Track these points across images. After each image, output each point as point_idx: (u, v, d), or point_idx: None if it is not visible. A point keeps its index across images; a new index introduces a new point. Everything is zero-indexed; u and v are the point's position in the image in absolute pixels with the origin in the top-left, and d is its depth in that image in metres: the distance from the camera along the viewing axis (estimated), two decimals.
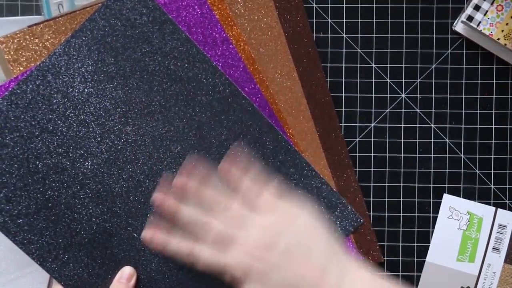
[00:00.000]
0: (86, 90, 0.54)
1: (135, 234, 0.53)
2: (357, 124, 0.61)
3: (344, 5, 0.61)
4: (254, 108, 0.55)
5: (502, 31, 0.56)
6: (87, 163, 0.54)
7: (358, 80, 0.61)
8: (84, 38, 0.54)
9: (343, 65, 0.61)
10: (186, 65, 0.54)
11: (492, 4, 0.57)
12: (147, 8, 0.54)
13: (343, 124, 0.61)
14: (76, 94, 0.54)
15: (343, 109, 0.61)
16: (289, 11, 0.57)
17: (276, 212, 0.47)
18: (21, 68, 0.55)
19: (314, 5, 0.61)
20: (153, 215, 0.53)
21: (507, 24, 0.56)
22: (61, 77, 0.54)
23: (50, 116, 0.54)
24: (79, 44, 0.54)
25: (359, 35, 0.61)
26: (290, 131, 0.57)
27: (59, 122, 0.54)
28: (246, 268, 0.45)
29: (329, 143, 0.58)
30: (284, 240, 0.45)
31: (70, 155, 0.54)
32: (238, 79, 0.56)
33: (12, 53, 0.55)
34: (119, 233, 0.53)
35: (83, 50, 0.54)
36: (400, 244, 0.59)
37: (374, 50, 0.61)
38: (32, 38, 0.55)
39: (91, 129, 0.54)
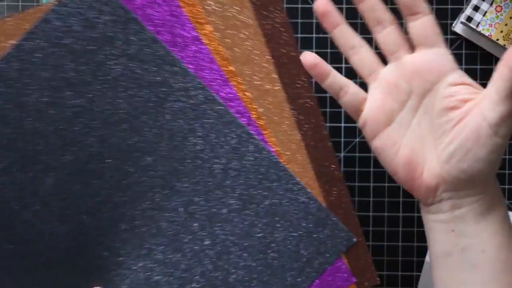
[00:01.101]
0: (43, 99, 0.48)
1: (105, 253, 0.48)
2: (357, 124, 0.61)
3: (344, 6, 0.61)
4: (231, 115, 0.50)
5: (501, 31, 0.57)
6: (47, 178, 0.48)
7: (358, 80, 0.61)
8: (38, 41, 0.48)
9: (343, 65, 0.61)
10: (154, 68, 0.49)
11: (491, 5, 0.57)
12: (108, 6, 0.49)
13: (342, 125, 0.61)
14: (32, 103, 0.48)
15: (342, 110, 0.61)
16: (266, 7, 0.52)
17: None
18: None
19: None
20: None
21: (506, 24, 0.57)
22: (13, 85, 0.48)
23: (3, 129, 0.48)
24: (32, 48, 0.48)
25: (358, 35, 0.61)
26: (272, 139, 0.52)
27: (14, 135, 0.48)
28: None
29: (317, 153, 0.53)
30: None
31: (29, 171, 0.48)
32: (212, 83, 0.51)
33: None
34: (88, 252, 0.49)
35: (37, 55, 0.48)
36: (400, 244, 0.59)
37: (373, 51, 0.61)
38: None
39: (50, 141, 0.48)
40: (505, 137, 0.39)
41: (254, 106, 0.52)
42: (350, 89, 0.44)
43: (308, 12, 0.60)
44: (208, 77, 0.51)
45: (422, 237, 0.59)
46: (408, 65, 0.42)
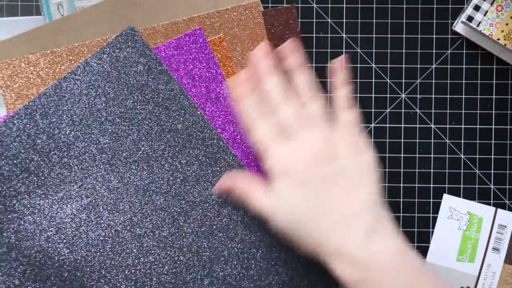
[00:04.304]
0: (73, 133, 0.54)
1: (106, 287, 0.53)
2: None
3: (344, 6, 0.61)
4: (242, 166, 0.56)
5: (502, 31, 0.57)
6: (65, 207, 0.53)
7: (358, 80, 0.61)
8: (76, 81, 0.54)
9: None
10: (177, 116, 0.55)
11: (492, 4, 0.57)
12: (144, 57, 0.55)
13: None
14: (62, 136, 0.54)
15: None
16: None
17: (347, 133, 0.47)
18: (13, 95, 0.55)
19: (314, 5, 0.61)
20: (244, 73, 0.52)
21: (507, 24, 0.57)
22: (49, 117, 0.54)
23: (33, 156, 0.53)
24: (70, 87, 0.54)
25: (359, 35, 0.61)
26: None
27: (42, 163, 0.53)
28: (287, 167, 0.45)
29: None
30: (343, 160, 0.45)
31: (50, 197, 0.53)
32: (236, 136, 0.57)
33: (5, 78, 0.55)
34: (90, 284, 0.52)
35: (74, 93, 0.54)
36: None
37: (374, 51, 0.61)
38: (27, 66, 0.55)
39: (73, 173, 0.53)
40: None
41: None
42: None
43: (308, 12, 0.60)
44: (233, 130, 0.56)
45: (422, 237, 0.59)
46: None
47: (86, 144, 0.54)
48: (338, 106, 0.50)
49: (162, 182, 0.54)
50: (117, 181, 0.53)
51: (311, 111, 0.48)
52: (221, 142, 0.55)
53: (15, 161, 0.53)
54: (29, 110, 0.54)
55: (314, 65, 0.61)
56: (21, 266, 0.51)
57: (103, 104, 0.54)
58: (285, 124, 0.47)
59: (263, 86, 0.49)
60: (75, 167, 0.54)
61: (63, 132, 0.54)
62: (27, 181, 0.53)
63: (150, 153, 0.54)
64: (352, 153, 0.46)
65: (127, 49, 0.55)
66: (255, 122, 0.48)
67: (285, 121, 0.47)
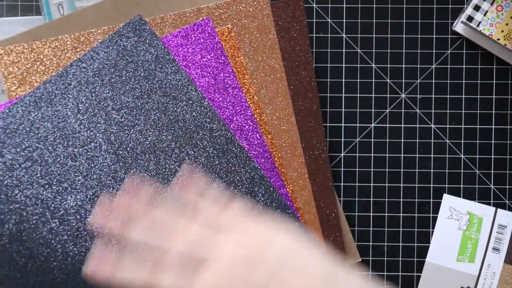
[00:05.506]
0: (78, 122, 0.53)
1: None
2: (357, 125, 0.61)
3: (344, 5, 0.61)
4: (248, 158, 0.55)
5: (502, 31, 0.57)
6: (70, 197, 0.52)
7: (358, 80, 0.61)
8: (83, 68, 0.54)
9: (343, 65, 0.61)
10: (185, 106, 0.54)
11: (492, 4, 0.57)
12: (152, 46, 0.54)
13: (342, 125, 0.61)
14: (67, 125, 0.53)
15: (343, 109, 0.61)
16: (298, 66, 0.60)
17: (249, 230, 0.39)
18: (15, 81, 0.55)
19: (314, 5, 0.61)
20: (96, 246, 0.43)
21: (507, 24, 0.57)
22: (54, 106, 0.53)
23: (37, 144, 0.52)
24: (77, 75, 0.54)
25: (359, 35, 0.61)
26: (291, 187, 0.59)
27: (46, 152, 0.52)
28: None
29: (321, 200, 0.59)
30: (267, 259, 0.37)
31: (53, 187, 0.52)
32: (244, 127, 0.57)
33: (8, 64, 0.55)
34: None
35: (80, 81, 0.54)
36: (400, 244, 0.59)
37: (374, 51, 0.61)
38: (30, 53, 0.55)
39: (78, 162, 0.53)
40: None
41: (279, 154, 0.58)
42: None
43: (308, 12, 0.60)
44: (241, 121, 0.56)
45: (422, 237, 0.59)
46: None
47: (92, 134, 0.53)
48: (217, 210, 0.42)
49: (169, 173, 0.54)
50: (123, 172, 0.53)
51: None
52: (228, 134, 0.55)
53: (18, 149, 0.52)
54: (34, 97, 0.53)
55: (314, 65, 0.61)
56: (23, 259, 0.51)
57: (110, 93, 0.53)
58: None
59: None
60: (80, 156, 0.53)
61: (68, 121, 0.53)
62: (30, 171, 0.52)
63: (157, 143, 0.53)
64: (269, 240, 0.39)
65: (135, 38, 0.54)
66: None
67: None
